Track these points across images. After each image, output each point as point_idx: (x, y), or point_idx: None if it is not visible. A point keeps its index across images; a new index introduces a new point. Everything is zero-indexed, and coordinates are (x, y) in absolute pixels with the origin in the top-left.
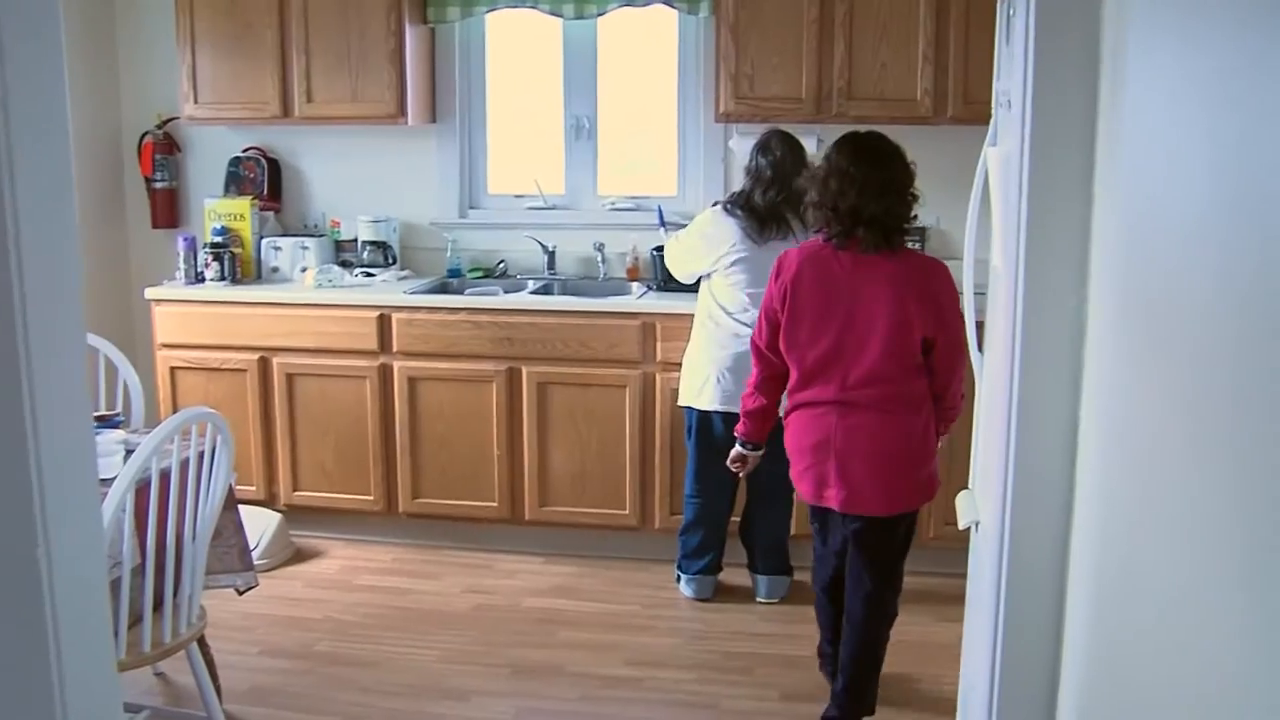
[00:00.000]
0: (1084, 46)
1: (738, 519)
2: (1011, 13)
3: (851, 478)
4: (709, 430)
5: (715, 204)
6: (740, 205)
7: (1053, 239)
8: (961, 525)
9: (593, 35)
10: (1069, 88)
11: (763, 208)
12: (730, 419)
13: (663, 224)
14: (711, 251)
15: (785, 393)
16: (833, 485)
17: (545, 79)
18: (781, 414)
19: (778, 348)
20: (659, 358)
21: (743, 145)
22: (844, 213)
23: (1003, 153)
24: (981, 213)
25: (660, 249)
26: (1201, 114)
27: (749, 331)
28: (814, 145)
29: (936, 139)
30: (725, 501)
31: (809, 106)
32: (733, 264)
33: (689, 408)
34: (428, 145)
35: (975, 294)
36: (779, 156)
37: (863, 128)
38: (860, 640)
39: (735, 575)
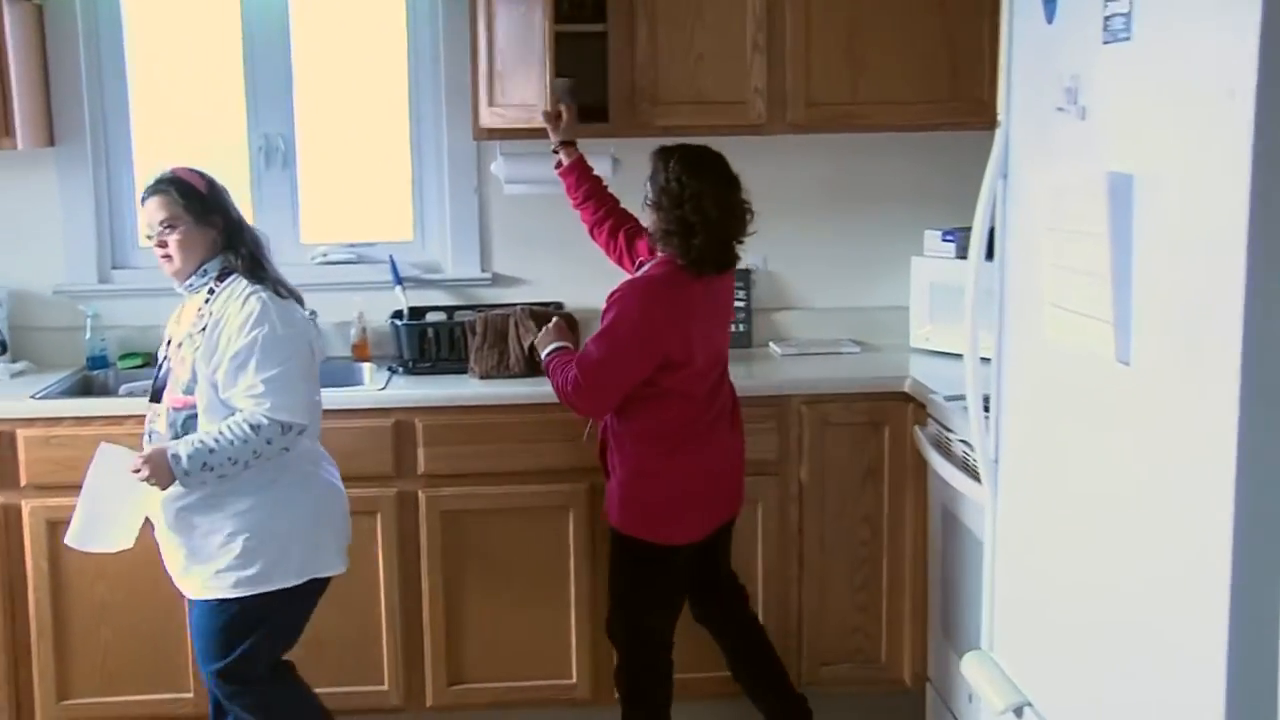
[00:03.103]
0: None
1: None
2: None
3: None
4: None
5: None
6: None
7: None
8: (1000, 711)
9: (284, 19)
10: None
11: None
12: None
13: (398, 281)
14: None
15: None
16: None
17: (218, 81)
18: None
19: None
20: (421, 469)
21: (511, 169)
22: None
23: (1078, 182)
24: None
25: (400, 315)
26: None
27: None
28: (609, 167)
29: (768, 153)
30: None
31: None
32: None
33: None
34: (45, 179)
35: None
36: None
37: (669, 141)
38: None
39: None
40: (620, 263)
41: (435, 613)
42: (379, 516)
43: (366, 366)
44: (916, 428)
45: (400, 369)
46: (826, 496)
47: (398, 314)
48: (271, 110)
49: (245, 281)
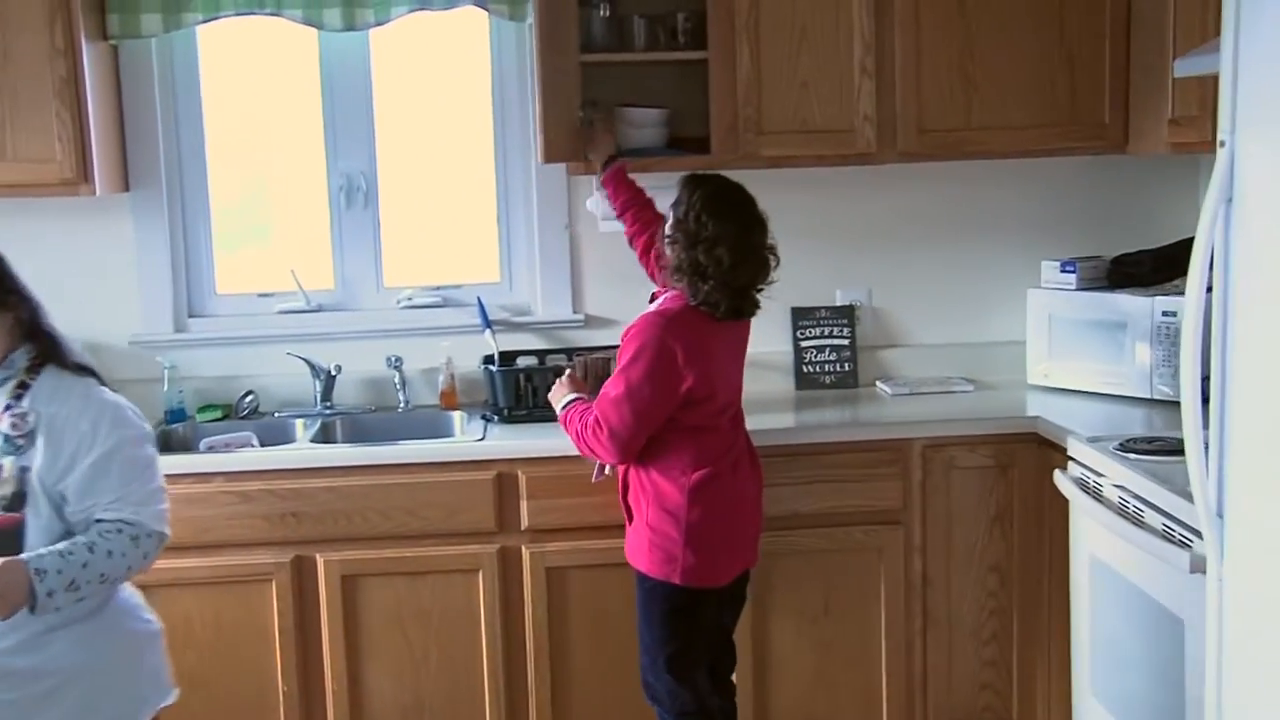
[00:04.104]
0: None
1: None
2: None
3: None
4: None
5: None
6: None
7: None
8: None
9: (365, 56)
10: None
11: None
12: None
13: (487, 324)
14: None
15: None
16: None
17: (296, 120)
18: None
19: None
20: (525, 524)
21: (608, 205)
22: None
23: None
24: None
25: (492, 360)
26: None
27: None
28: None
29: (873, 183)
30: None
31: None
32: None
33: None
34: (120, 225)
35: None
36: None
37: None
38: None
39: None
40: (653, 280)
41: (540, 675)
42: (480, 574)
43: (456, 415)
44: (1057, 471)
45: (495, 417)
46: (952, 545)
47: (489, 359)
48: (352, 148)
49: (68, 373)
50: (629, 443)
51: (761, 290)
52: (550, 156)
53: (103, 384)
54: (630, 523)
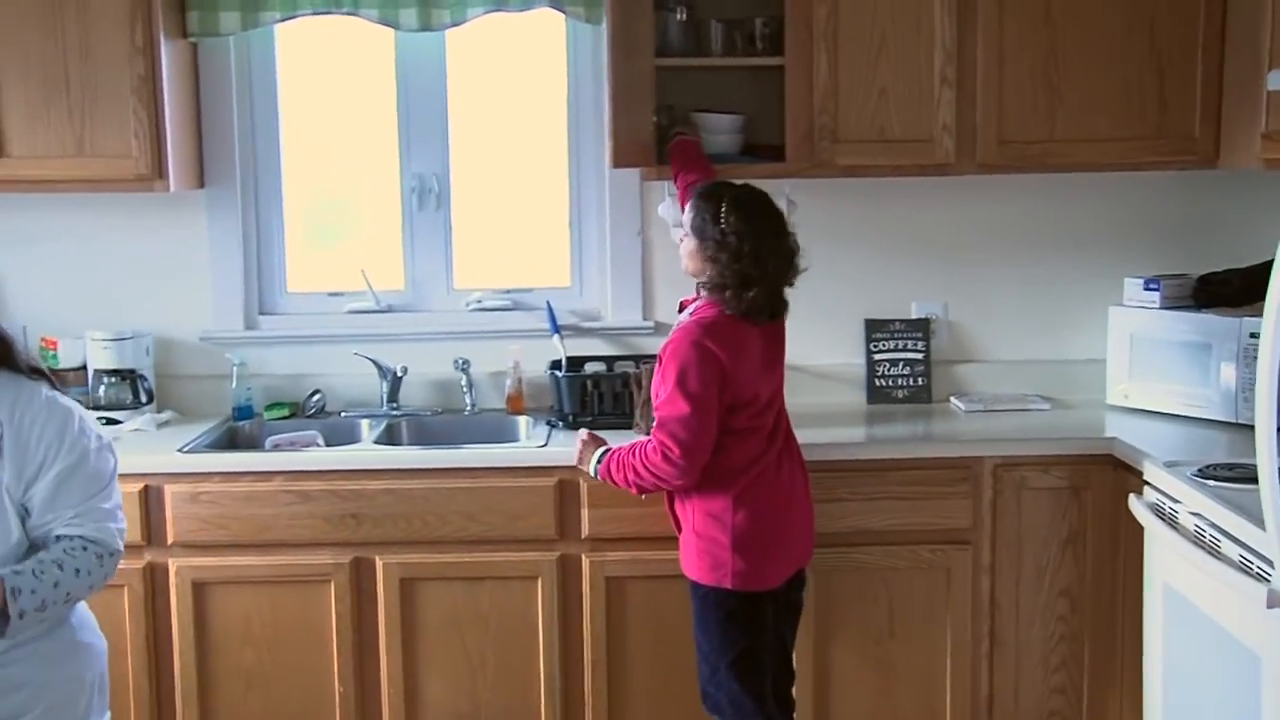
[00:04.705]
0: None
1: None
2: None
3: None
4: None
5: None
6: None
7: None
8: None
9: (440, 56)
10: None
11: None
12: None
13: (556, 329)
14: None
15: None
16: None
17: (371, 121)
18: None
19: None
20: (585, 532)
21: (676, 212)
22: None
23: None
24: None
25: (559, 365)
26: None
27: None
28: (783, 209)
29: (950, 194)
30: None
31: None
32: None
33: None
34: (195, 222)
35: None
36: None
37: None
38: None
39: None
40: None
41: (597, 685)
42: (539, 582)
43: (522, 420)
44: (1132, 496)
45: (560, 423)
46: (1022, 567)
47: (556, 364)
48: (425, 149)
49: (23, 377)
50: (700, 455)
51: (792, 285)
52: (619, 161)
53: (55, 388)
54: (680, 532)
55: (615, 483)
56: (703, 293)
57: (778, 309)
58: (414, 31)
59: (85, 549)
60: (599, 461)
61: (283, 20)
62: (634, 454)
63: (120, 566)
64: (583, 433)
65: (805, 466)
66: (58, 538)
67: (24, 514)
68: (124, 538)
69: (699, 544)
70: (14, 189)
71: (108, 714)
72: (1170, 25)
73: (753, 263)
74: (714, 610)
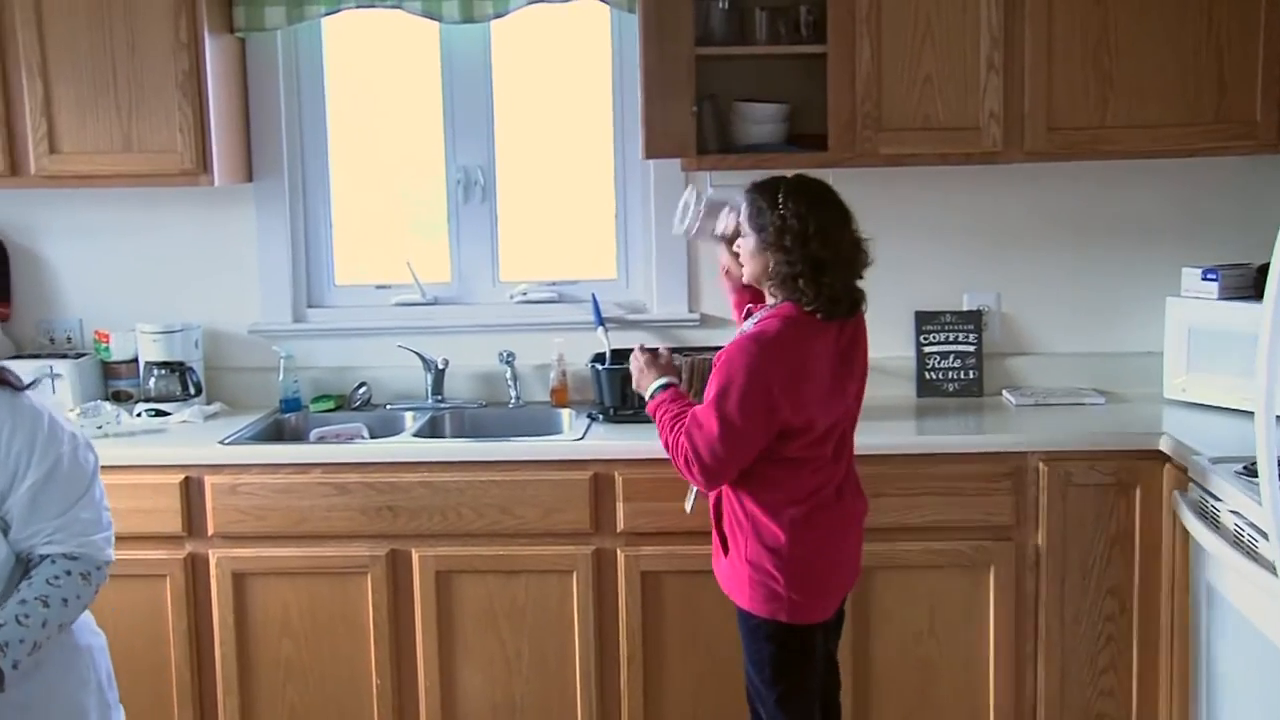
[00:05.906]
0: None
1: None
2: None
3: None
4: None
5: None
6: None
7: None
8: None
9: (485, 48)
10: None
11: None
12: None
13: (600, 322)
14: None
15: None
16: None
17: (417, 114)
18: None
19: None
20: (620, 526)
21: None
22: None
23: None
24: None
25: (602, 358)
26: None
27: None
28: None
29: (1003, 183)
30: None
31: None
32: None
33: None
34: (243, 215)
35: None
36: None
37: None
38: None
39: None
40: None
41: (633, 680)
42: (574, 576)
43: (565, 413)
44: (1176, 493)
45: (600, 416)
46: (1068, 565)
47: (599, 357)
48: (471, 142)
49: None
50: (720, 475)
51: (863, 278)
52: (651, 152)
53: (19, 390)
54: (725, 554)
55: (656, 423)
56: (771, 297)
57: (857, 300)
58: (457, 23)
59: (69, 572)
60: (652, 396)
61: (328, 14)
62: (673, 429)
63: (161, 557)
64: (639, 349)
65: (864, 496)
66: (42, 559)
67: (5, 526)
68: (111, 542)
69: (752, 575)
70: (65, 184)
71: (120, 709)
72: (1229, 3)
73: (822, 244)
74: (765, 643)
